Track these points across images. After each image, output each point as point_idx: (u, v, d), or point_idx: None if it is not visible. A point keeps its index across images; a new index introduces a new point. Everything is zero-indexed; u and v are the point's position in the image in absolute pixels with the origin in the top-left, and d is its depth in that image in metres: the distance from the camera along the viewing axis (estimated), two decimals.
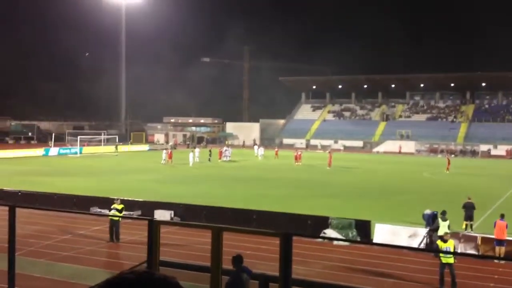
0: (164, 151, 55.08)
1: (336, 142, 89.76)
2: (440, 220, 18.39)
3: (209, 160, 55.33)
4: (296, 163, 53.05)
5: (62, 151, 65.18)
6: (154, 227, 6.68)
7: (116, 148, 69.03)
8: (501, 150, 76.62)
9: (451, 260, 14.43)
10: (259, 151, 63.71)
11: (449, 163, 48.75)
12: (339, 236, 19.38)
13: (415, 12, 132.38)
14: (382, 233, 19.57)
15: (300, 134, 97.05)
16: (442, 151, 77.26)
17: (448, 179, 43.01)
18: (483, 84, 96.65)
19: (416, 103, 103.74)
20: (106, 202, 22.94)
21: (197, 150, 57.54)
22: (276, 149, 64.28)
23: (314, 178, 41.33)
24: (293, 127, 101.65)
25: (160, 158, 53.21)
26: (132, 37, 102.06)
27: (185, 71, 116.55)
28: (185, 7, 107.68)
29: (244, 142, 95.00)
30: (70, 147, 68.65)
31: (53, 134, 72.98)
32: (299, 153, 55.36)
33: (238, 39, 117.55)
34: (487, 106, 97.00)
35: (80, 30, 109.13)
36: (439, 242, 15.41)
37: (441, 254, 14.49)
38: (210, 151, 58.53)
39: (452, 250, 15.15)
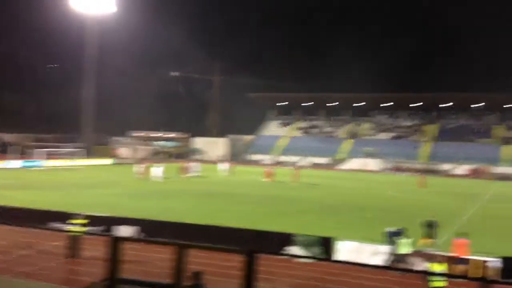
0: (137, 165, 54.42)
1: (303, 158, 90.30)
2: (400, 238, 18.59)
3: (182, 177, 54.31)
4: (266, 179, 53.06)
5: (25, 163, 63.71)
6: (115, 243, 6.55)
7: (72, 161, 66.18)
8: (464, 169, 78.35)
9: (441, 283, 13.91)
10: (223, 167, 63.68)
11: (423, 180, 49.45)
12: (303, 253, 19.38)
13: (382, 32, 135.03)
14: (346, 251, 19.68)
15: (268, 150, 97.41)
16: (406, 170, 78.50)
17: (412, 197, 43.64)
18: (448, 105, 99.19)
19: (382, 122, 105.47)
20: (68, 217, 22.43)
21: (164, 165, 56.98)
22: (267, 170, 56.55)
23: (281, 194, 41.37)
24: (261, 143, 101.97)
25: (128, 172, 52.51)
26: (99, 49, 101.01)
27: (153, 85, 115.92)
28: (154, 20, 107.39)
29: (214, 157, 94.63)
30: (33, 159, 67.10)
31: (17, 146, 71.29)
32: (268, 169, 55.27)
33: (208, 54, 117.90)
34: (451, 126, 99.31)
35: (46, 41, 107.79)
36: (430, 265, 14.97)
37: (432, 278, 13.82)
38: (180, 167, 57.40)
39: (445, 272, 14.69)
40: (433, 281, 13.96)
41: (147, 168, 52.70)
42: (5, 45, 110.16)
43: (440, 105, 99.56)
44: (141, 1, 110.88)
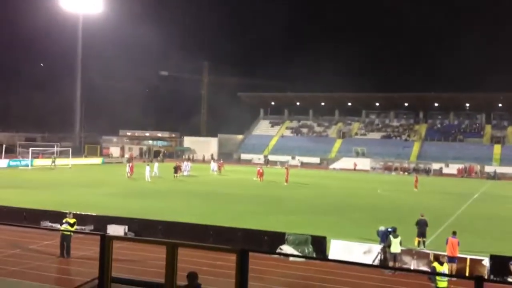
0: (128, 164, 54.04)
1: (293, 158, 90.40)
2: (391, 237, 18.65)
3: (175, 176, 52.82)
4: (256, 179, 53.03)
5: (12, 163, 63.15)
6: (106, 242, 6.49)
7: (54, 161, 64.76)
8: (453, 168, 78.81)
9: (445, 284, 14.13)
10: (213, 166, 63.54)
11: (416, 181, 49.55)
12: (295, 252, 19.38)
13: (371, 33, 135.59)
14: (337, 249, 19.72)
15: (258, 149, 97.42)
16: (396, 169, 78.86)
17: (401, 196, 43.83)
18: (436, 104, 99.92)
19: (371, 122, 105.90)
20: (58, 216, 22.29)
21: (156, 164, 56.77)
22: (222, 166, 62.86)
23: (272, 193, 41.38)
24: (251, 143, 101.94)
25: (117, 171, 52.21)
26: (89, 48, 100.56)
27: (143, 84, 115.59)
28: (143, 20, 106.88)
29: (204, 156, 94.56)
30: (20, 159, 66.54)
31: (3, 145, 70.73)
32: (259, 168, 55.23)
33: (197, 53, 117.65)
34: (439, 125, 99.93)
35: (35, 40, 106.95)
36: (435, 264, 14.98)
37: (438, 278, 14.03)
38: (174, 167, 54.65)
39: (447, 272, 14.76)
40: (440, 281, 14.07)
41: (133, 167, 52.34)
42: None
43: (428, 105, 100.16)
44: (129, 1, 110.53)
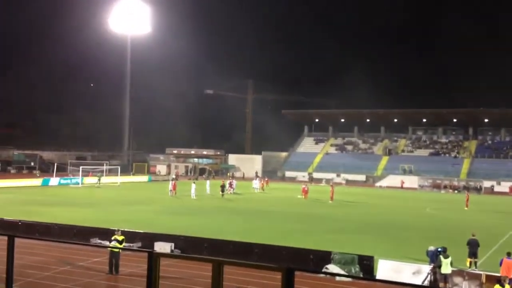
0: (171, 182, 54.67)
1: (338, 175, 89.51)
2: (441, 257, 18.12)
3: (222, 195, 51.42)
4: (301, 197, 52.66)
5: (62, 181, 65.01)
6: (154, 259, 6.56)
7: (99, 179, 65.50)
8: (505, 186, 76.21)
9: None
10: (257, 184, 63.39)
11: (468, 199, 48.18)
12: (341, 272, 19.06)
13: (419, 47, 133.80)
14: (385, 269, 19.28)
15: (303, 167, 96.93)
16: (445, 187, 76.87)
17: (451, 215, 42.64)
18: (486, 120, 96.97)
19: (418, 138, 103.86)
20: (107, 233, 22.73)
21: (207, 182, 57.26)
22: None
23: (317, 211, 41.02)
24: (295, 160, 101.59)
25: (164, 189, 52.83)
26: (136, 67, 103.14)
27: (189, 103, 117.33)
28: (189, 39, 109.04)
29: (243, 174, 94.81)
30: (71, 177, 68.41)
31: (55, 164, 72.89)
32: (304, 186, 54.84)
33: (242, 71, 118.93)
34: (489, 142, 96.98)
35: (85, 61, 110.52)
36: (497, 286, 14.64)
37: None
38: (221, 186, 52.98)
39: None
40: None
41: (175, 185, 52.56)
42: (46, 65, 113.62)
43: (478, 121, 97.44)
44: (175, 21, 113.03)
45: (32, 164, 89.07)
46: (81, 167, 67.02)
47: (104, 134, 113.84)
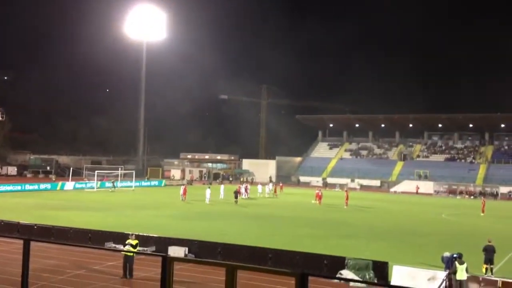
0: (182, 187, 54.72)
1: (352, 180, 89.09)
2: (457, 263, 17.93)
3: (236, 202, 49.89)
4: (315, 202, 52.42)
5: (78, 185, 65.48)
6: (167, 263, 6.58)
7: (113, 184, 65.12)
8: None
9: None
10: (266, 188, 63.23)
11: (484, 205, 47.71)
12: (355, 277, 18.94)
13: (434, 52, 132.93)
14: (400, 275, 19.11)
15: (317, 172, 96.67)
16: (461, 193, 76.11)
17: (467, 221, 42.20)
18: (502, 125, 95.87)
19: (434, 143, 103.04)
20: (121, 238, 22.85)
21: (222, 187, 57.28)
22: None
23: (331, 217, 40.85)
24: (309, 165, 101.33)
25: (178, 194, 52.87)
26: (151, 73, 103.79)
27: (203, 108, 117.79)
28: (203, 44, 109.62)
29: (253, 179, 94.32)
30: (86, 181, 68.88)
31: (71, 168, 73.41)
32: (318, 191, 54.59)
33: (256, 77, 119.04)
34: (506, 147, 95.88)
35: (101, 67, 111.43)
36: None
37: None
38: (235, 192, 51.63)
39: None
40: None
41: (186, 190, 52.37)
42: (63, 71, 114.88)
43: (494, 126, 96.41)
44: (190, 28, 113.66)
45: (48, 168, 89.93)
46: (96, 171, 67.46)
47: (119, 139, 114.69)
